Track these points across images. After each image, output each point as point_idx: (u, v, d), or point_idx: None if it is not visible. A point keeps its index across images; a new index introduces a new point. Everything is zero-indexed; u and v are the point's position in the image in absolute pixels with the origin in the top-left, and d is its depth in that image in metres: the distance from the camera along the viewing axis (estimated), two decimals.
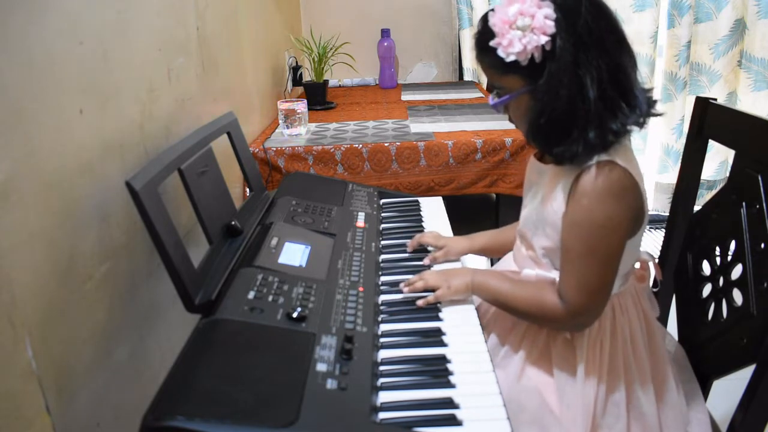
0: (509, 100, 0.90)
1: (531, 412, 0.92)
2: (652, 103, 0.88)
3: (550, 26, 0.82)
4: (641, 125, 0.87)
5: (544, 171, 0.96)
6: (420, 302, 0.96)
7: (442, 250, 1.14)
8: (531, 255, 0.99)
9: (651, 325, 0.99)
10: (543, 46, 0.82)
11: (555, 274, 0.93)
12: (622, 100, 0.85)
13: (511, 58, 0.84)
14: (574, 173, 0.87)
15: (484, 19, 0.89)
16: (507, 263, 1.09)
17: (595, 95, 0.82)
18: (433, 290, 0.98)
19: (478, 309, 0.99)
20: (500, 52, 0.85)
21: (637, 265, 1.01)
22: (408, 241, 1.17)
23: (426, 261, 1.12)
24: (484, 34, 0.88)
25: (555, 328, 0.94)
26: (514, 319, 1.00)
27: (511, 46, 0.83)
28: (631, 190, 0.86)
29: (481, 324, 0.94)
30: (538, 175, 0.98)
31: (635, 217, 0.88)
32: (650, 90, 0.89)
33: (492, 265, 1.52)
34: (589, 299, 0.87)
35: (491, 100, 0.94)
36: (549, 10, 0.82)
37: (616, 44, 0.85)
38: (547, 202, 0.92)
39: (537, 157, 1.00)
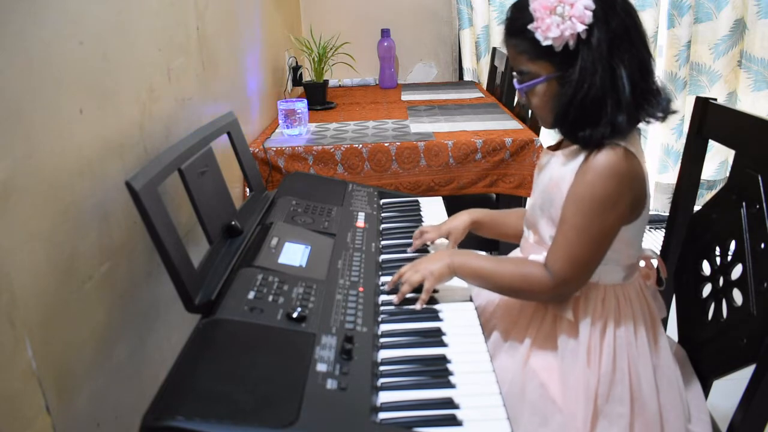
0: (538, 84, 0.93)
1: (533, 402, 0.92)
2: (670, 99, 0.92)
3: (588, 16, 0.85)
4: (663, 119, 0.91)
5: (555, 157, 0.98)
6: (417, 306, 0.95)
7: (450, 237, 1.15)
8: (537, 240, 1.01)
9: (655, 321, 1.00)
10: (579, 35, 0.86)
11: None
12: (648, 92, 0.89)
13: (548, 42, 0.87)
14: (585, 154, 0.91)
15: (519, 4, 0.92)
16: (514, 255, 1.10)
17: (627, 84, 0.86)
18: (419, 286, 0.96)
19: (477, 307, 0.99)
20: (537, 36, 0.88)
21: (642, 263, 1.02)
22: (408, 242, 1.17)
23: None
24: (517, 19, 0.92)
25: (538, 299, 0.97)
26: (518, 312, 1.01)
27: (549, 30, 0.86)
28: (634, 175, 0.89)
29: (481, 321, 0.94)
30: (549, 162, 1.00)
31: (635, 203, 0.91)
32: (665, 87, 0.93)
33: None
34: (574, 271, 0.90)
35: (516, 84, 0.97)
36: (588, 1, 0.86)
37: (642, 43, 0.90)
38: (556, 183, 0.95)
39: (551, 148, 1.03)
